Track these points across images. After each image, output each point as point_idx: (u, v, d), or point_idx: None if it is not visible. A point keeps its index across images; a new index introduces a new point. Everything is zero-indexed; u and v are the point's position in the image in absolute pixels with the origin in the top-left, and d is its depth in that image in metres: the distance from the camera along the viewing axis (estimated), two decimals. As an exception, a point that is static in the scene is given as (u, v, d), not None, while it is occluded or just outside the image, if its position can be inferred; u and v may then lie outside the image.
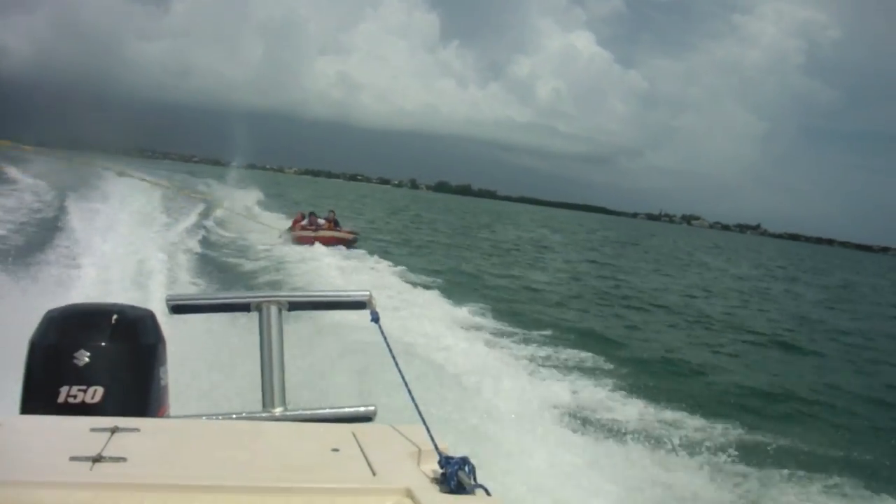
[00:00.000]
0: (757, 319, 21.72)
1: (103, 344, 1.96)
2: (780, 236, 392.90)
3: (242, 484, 1.24)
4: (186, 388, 5.29)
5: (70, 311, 2.07)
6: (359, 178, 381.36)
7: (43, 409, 1.83)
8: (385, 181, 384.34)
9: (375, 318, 2.16)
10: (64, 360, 1.91)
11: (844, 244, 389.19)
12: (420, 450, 1.52)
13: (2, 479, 1.18)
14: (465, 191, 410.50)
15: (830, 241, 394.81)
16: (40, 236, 14.64)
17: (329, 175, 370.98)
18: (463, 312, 13.69)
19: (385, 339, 2.16)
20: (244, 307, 2.16)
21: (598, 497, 5.77)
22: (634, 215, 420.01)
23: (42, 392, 1.90)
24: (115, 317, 2.01)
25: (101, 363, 1.93)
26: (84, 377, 1.90)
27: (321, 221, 23.61)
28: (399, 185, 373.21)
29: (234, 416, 2.00)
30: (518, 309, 16.21)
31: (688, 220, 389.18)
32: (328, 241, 21.86)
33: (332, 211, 25.10)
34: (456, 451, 1.51)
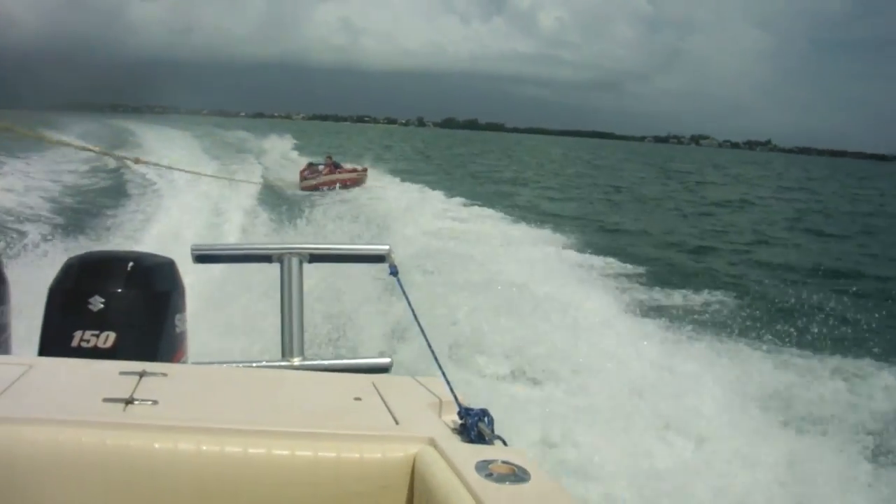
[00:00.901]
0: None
1: (118, 290, 2.03)
2: (790, 151, 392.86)
3: (271, 429, 1.30)
4: (208, 336, 5.52)
5: (88, 258, 2.17)
6: (366, 119, 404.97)
7: (58, 353, 1.89)
8: (392, 121, 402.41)
9: (394, 272, 2.23)
10: (79, 306, 2.00)
11: (858, 155, 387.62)
12: (441, 401, 1.57)
13: (39, 418, 1.23)
14: (471, 125, 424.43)
15: (843, 153, 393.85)
16: (102, 194, 17.02)
17: (336, 119, 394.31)
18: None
19: (404, 292, 2.29)
20: (266, 258, 2.17)
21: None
22: (642, 139, 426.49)
23: (57, 336, 2.00)
24: (130, 264, 2.09)
25: (115, 309, 2.01)
26: (97, 322, 1.98)
27: (321, 168, 24.41)
28: (406, 125, 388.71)
29: (255, 364, 2.04)
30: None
31: (696, 140, 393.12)
32: (332, 184, 22.80)
33: (329, 156, 25.85)
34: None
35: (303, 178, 24.42)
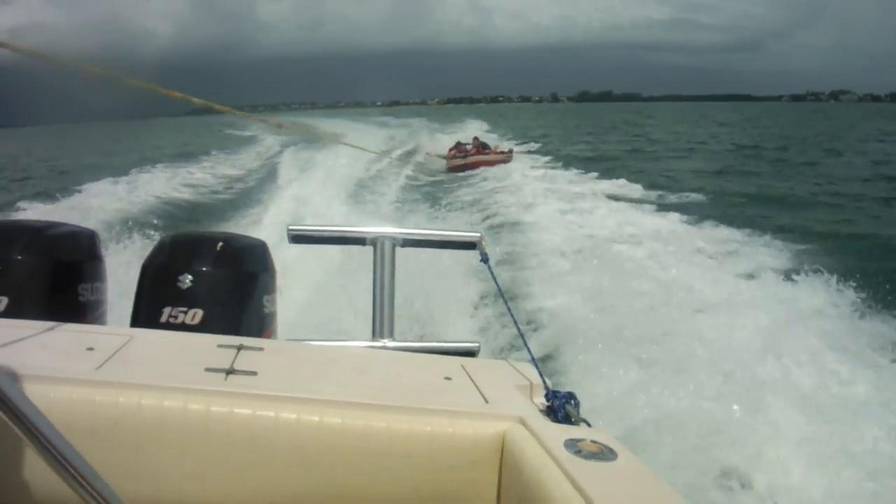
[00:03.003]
0: None
1: (207, 269, 2.10)
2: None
3: (369, 402, 1.33)
4: (301, 315, 5.72)
5: (181, 237, 2.28)
6: (500, 99, 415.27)
7: (147, 327, 2.00)
8: (526, 99, 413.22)
9: (485, 259, 2.23)
10: (169, 282, 2.07)
11: None
12: (531, 383, 1.61)
13: (144, 383, 1.27)
14: (606, 97, 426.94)
15: None
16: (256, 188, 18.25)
17: (471, 101, 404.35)
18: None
19: (495, 279, 2.33)
20: (360, 241, 2.19)
21: None
22: (779, 98, 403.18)
23: (147, 311, 2.08)
24: (220, 244, 2.15)
25: (203, 287, 2.07)
26: (186, 299, 2.05)
27: (469, 147, 24.38)
28: (539, 101, 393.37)
29: (348, 343, 2.07)
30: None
31: (835, 95, 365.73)
32: (479, 164, 22.65)
33: (476, 137, 26.02)
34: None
35: (450, 158, 24.29)
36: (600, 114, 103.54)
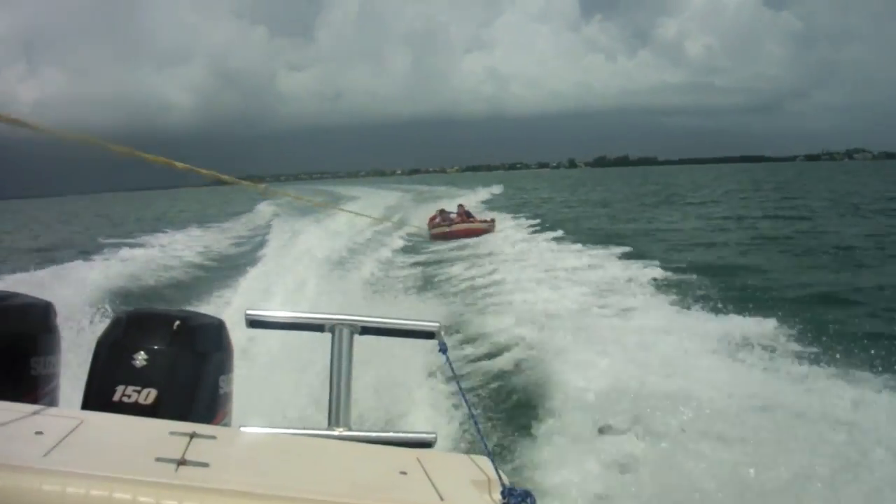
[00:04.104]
0: None
1: (162, 347, 2.07)
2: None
3: (320, 498, 1.32)
4: (257, 398, 5.51)
5: (137, 313, 2.23)
6: (518, 166, 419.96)
7: (100, 405, 1.94)
8: (544, 165, 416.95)
9: (444, 349, 2.24)
10: (123, 360, 2.04)
11: None
12: (488, 478, 1.59)
13: (93, 473, 1.24)
14: (623, 162, 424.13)
15: None
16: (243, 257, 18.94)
17: (488, 168, 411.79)
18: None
19: (453, 370, 2.38)
20: (318, 327, 2.16)
21: None
22: (793, 159, 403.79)
23: (100, 389, 2.03)
24: (177, 323, 2.12)
25: (158, 366, 2.04)
26: (139, 378, 2.01)
27: (453, 216, 24.25)
28: (557, 167, 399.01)
29: (301, 431, 2.01)
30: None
31: (850, 154, 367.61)
32: (463, 234, 22.48)
33: (461, 205, 25.84)
34: None
35: (433, 226, 24.10)
36: (614, 178, 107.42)
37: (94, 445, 1.48)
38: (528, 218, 28.07)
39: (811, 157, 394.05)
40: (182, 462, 1.38)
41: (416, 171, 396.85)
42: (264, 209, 36.68)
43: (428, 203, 35.24)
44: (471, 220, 24.11)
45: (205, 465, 1.39)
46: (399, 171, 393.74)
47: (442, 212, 25.39)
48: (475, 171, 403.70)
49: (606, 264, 14.67)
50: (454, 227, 23.16)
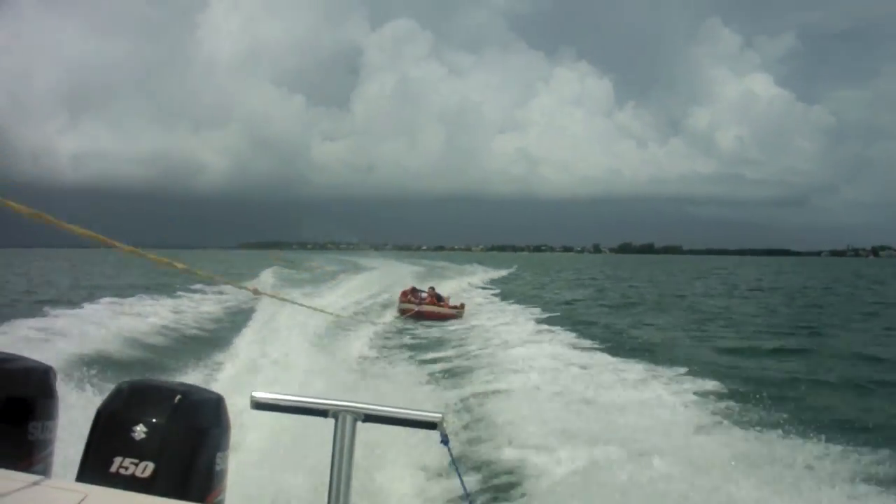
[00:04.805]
0: None
1: (161, 421, 2.05)
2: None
3: None
4: (253, 478, 5.61)
5: (139, 385, 2.22)
6: (543, 248, 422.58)
7: (96, 477, 1.94)
8: (568, 249, 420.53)
9: (445, 441, 2.25)
10: (122, 431, 2.03)
11: None
12: None
13: None
14: (648, 249, 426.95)
15: None
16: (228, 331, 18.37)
17: (514, 249, 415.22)
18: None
19: (453, 461, 2.43)
20: (322, 412, 2.17)
21: None
22: (818, 253, 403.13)
23: (98, 459, 2.02)
24: (178, 397, 2.12)
25: (156, 439, 2.02)
26: (137, 451, 2.00)
27: (423, 296, 24.94)
28: (581, 252, 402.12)
29: None
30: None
31: (875, 251, 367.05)
32: (430, 316, 22.88)
33: (432, 287, 26.40)
34: None
35: (404, 300, 24.86)
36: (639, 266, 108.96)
37: None
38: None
39: (836, 253, 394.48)
40: None
41: (441, 248, 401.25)
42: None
43: (434, 279, 36.53)
44: (440, 304, 24.57)
45: None
46: (424, 247, 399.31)
47: (413, 289, 26.20)
48: (500, 250, 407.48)
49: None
50: (422, 308, 23.70)
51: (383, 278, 36.08)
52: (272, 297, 13.40)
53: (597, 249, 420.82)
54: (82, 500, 1.49)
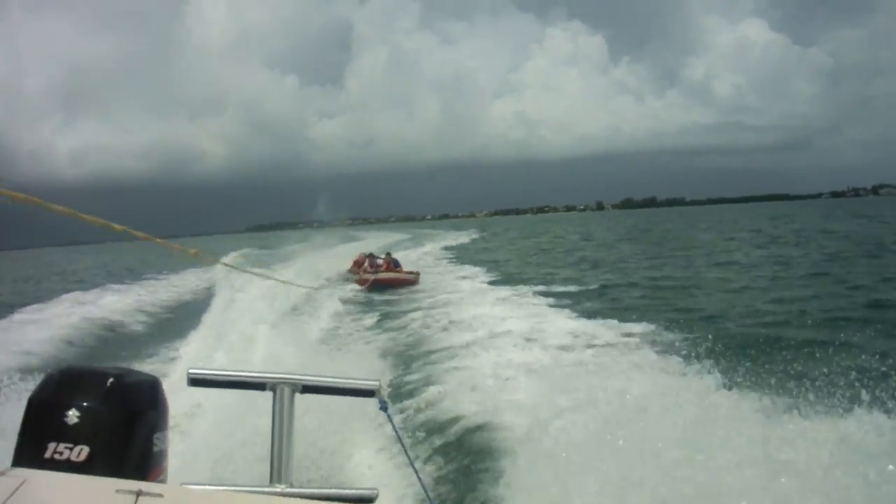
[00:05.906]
0: None
1: (94, 405, 2.05)
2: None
3: None
4: (196, 455, 5.75)
5: (69, 371, 2.21)
6: (546, 209, 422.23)
7: (30, 463, 1.94)
8: (571, 208, 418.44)
9: (384, 407, 2.29)
10: (54, 417, 2.02)
11: None
12: None
13: None
14: (650, 203, 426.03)
15: None
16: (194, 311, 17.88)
17: (517, 212, 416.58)
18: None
19: (394, 426, 2.50)
20: (259, 385, 2.20)
21: None
22: (818, 195, 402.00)
23: (32, 446, 2.01)
24: (110, 380, 2.10)
25: (90, 423, 2.01)
26: (71, 435, 1.98)
27: (379, 262, 24.47)
28: (584, 210, 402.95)
29: (244, 488, 2.06)
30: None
31: (875, 190, 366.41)
32: (388, 282, 22.53)
33: (389, 253, 25.98)
34: None
35: (361, 272, 24.14)
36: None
37: None
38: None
39: (837, 194, 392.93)
40: None
41: (445, 216, 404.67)
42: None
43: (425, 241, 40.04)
44: (397, 269, 24.41)
45: None
46: (429, 217, 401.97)
47: (371, 255, 25.83)
48: (504, 214, 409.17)
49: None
50: (380, 276, 23.31)
51: (361, 248, 34.98)
52: (216, 262, 12.98)
53: (599, 207, 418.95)
54: (21, 484, 1.53)
